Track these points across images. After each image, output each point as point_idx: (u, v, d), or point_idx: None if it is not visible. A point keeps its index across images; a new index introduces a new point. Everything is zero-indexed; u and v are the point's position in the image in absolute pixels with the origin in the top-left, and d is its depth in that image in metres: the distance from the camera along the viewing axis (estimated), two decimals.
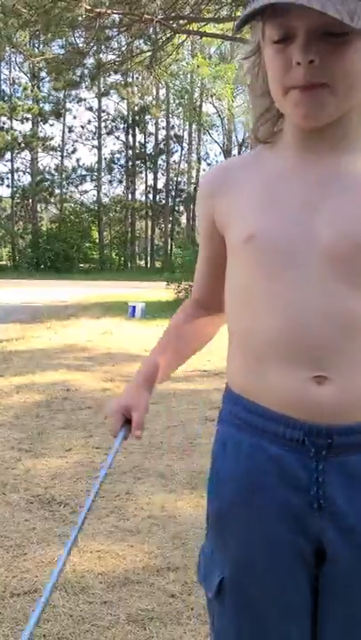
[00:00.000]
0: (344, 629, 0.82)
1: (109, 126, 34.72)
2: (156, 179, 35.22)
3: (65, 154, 34.13)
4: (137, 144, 35.40)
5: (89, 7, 11.97)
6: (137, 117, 34.21)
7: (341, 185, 0.80)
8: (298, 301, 0.79)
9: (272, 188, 0.83)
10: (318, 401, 0.78)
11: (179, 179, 35.65)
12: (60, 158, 34.08)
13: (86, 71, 17.40)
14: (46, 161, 35.35)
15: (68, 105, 33.75)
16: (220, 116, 32.46)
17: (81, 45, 14.71)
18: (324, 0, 0.67)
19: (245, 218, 0.83)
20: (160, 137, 35.55)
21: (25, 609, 1.77)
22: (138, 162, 35.55)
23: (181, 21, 14.49)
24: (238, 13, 14.75)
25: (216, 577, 0.85)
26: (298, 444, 0.80)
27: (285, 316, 0.79)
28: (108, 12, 13.00)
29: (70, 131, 34.22)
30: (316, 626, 0.83)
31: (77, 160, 35.26)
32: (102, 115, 34.12)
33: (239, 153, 33.84)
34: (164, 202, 33.62)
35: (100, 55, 16.55)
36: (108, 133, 34.58)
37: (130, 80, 30.25)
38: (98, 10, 12.41)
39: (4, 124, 31.94)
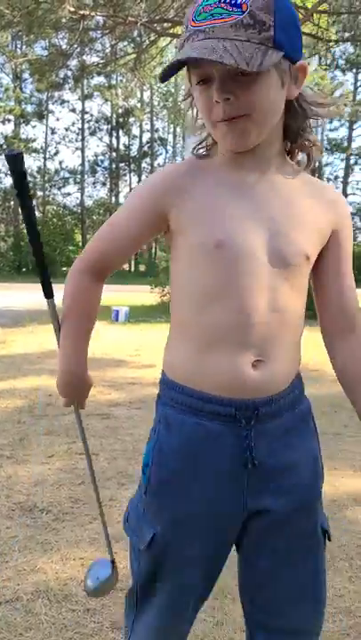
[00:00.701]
0: (277, 562, 1.03)
1: (93, 128, 34.63)
2: (140, 181, 35.21)
3: (48, 156, 33.98)
4: (121, 146, 35.36)
5: (73, 9, 11.93)
6: (121, 120, 34.17)
7: (285, 202, 0.96)
8: (251, 301, 0.94)
9: (231, 199, 0.95)
10: (248, 381, 0.95)
11: None
12: (42, 160, 33.90)
13: (70, 73, 17.34)
14: (28, 163, 35.04)
15: (51, 106, 33.60)
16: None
17: (64, 47, 14.65)
18: (222, 52, 0.80)
19: (213, 225, 0.94)
20: (144, 139, 35.57)
21: (7, 617, 1.74)
22: (122, 164, 35.50)
23: (166, 24, 14.51)
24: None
25: (148, 533, 1.00)
26: (231, 419, 0.96)
27: (239, 313, 0.94)
28: (92, 14, 12.97)
29: (53, 132, 34.13)
30: (244, 563, 1.08)
31: (60, 162, 35.12)
32: (86, 117, 34.04)
33: None
34: None
35: (84, 57, 16.50)
36: (91, 134, 34.49)
37: (114, 82, 30.23)
38: (82, 12, 12.38)
39: None
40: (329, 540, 1.12)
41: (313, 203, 1.00)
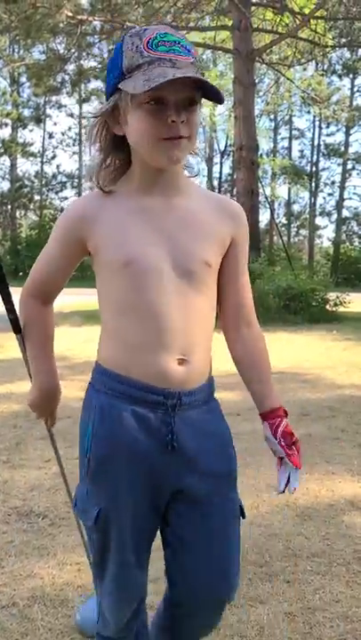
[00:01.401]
0: (204, 542, 1.17)
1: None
2: None
3: (45, 160, 33.99)
4: None
5: (70, 14, 11.97)
6: None
7: (184, 220, 1.12)
8: (165, 307, 1.09)
9: (135, 223, 1.10)
10: (175, 375, 1.12)
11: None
12: (39, 164, 33.91)
13: (67, 77, 17.39)
14: (26, 167, 35.14)
15: (49, 111, 33.65)
16: (201, 123, 32.60)
17: (62, 51, 14.69)
18: (187, 69, 1.01)
19: (121, 247, 1.10)
20: None
21: (3, 623, 1.73)
22: None
23: None
24: (220, 22, 14.89)
25: (94, 510, 1.15)
26: (159, 405, 1.11)
27: (156, 319, 1.09)
28: (90, 18, 13.01)
29: (50, 137, 34.12)
30: (167, 535, 1.20)
31: (58, 166, 35.10)
32: (83, 121, 34.05)
33: (221, 161, 34.11)
34: None
35: (82, 61, 16.56)
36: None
37: None
38: (79, 17, 12.42)
39: None
40: (243, 517, 1.24)
41: (214, 216, 1.16)
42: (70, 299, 15.40)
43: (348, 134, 34.09)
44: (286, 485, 1.24)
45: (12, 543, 2.23)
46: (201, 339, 1.16)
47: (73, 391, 4.82)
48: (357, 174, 35.56)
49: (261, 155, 26.45)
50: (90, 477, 1.18)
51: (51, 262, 1.22)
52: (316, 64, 23.74)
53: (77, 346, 7.32)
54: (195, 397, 1.16)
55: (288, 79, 17.88)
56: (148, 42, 1.01)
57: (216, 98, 1.05)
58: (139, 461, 1.13)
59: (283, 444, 1.24)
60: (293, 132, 35.66)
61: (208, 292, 1.16)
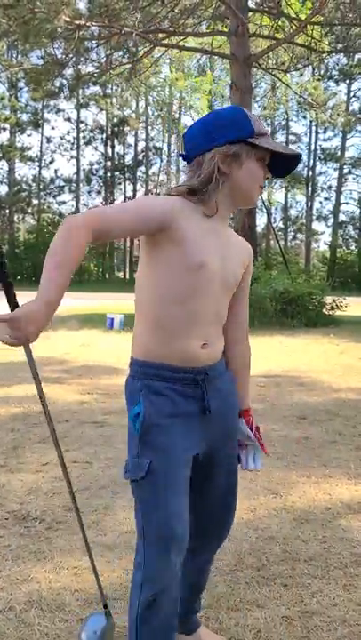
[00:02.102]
0: (227, 472, 1.51)
1: (88, 137, 34.74)
2: (135, 190, 35.27)
3: (43, 164, 34.06)
4: (116, 155, 35.47)
5: (68, 19, 12.00)
6: (116, 129, 34.30)
7: (233, 246, 1.45)
8: (205, 308, 1.38)
9: (211, 239, 1.37)
10: (201, 356, 1.39)
11: (158, 190, 35.75)
12: (37, 169, 33.96)
13: (65, 82, 17.42)
14: (24, 171, 35.13)
15: (47, 115, 33.73)
16: None
17: (60, 56, 14.72)
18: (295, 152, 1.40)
19: (200, 252, 1.34)
20: (139, 148, 35.71)
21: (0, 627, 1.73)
22: (117, 173, 35.60)
23: (160, 35, 14.62)
24: (217, 27, 14.95)
25: (145, 464, 1.33)
26: (192, 381, 1.38)
27: (197, 313, 1.37)
28: (88, 24, 13.05)
29: (49, 141, 34.21)
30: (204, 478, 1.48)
31: (55, 171, 35.19)
32: (81, 125, 34.14)
33: None
34: None
35: (80, 66, 16.59)
36: (86, 144, 34.59)
37: (109, 91, 30.37)
38: (77, 22, 12.45)
39: None
40: (239, 462, 1.59)
41: (241, 248, 1.49)
42: (68, 302, 15.41)
43: (344, 139, 34.26)
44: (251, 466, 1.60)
45: (8, 547, 2.22)
46: (219, 329, 1.47)
47: (71, 395, 4.82)
48: (354, 179, 35.65)
49: None
50: (143, 438, 1.36)
51: (125, 212, 1.29)
52: (313, 69, 23.85)
53: (75, 350, 7.31)
54: (216, 370, 1.45)
55: (285, 84, 17.96)
56: (260, 124, 1.40)
57: (282, 175, 1.47)
58: (182, 423, 1.37)
59: (256, 434, 1.59)
60: (290, 137, 35.78)
61: (229, 300, 1.48)
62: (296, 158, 1.41)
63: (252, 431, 1.58)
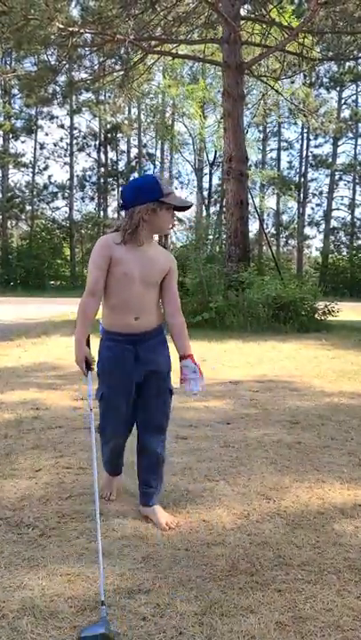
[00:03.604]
0: (155, 396, 2.48)
1: (81, 143, 34.76)
2: None
3: (36, 170, 34.01)
4: (109, 161, 35.50)
5: (62, 26, 12.04)
6: (109, 135, 34.36)
7: (150, 259, 2.37)
8: (134, 295, 2.34)
9: (129, 257, 2.33)
10: (134, 326, 2.37)
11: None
12: (31, 175, 33.91)
13: (58, 88, 17.45)
14: (17, 177, 35.09)
15: (40, 122, 33.71)
16: (190, 135, 32.82)
17: (53, 63, 14.75)
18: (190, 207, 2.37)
19: (122, 266, 2.32)
20: (132, 154, 35.78)
21: None
22: (110, 179, 35.62)
23: (153, 42, 14.69)
24: (209, 35, 15.04)
25: (100, 393, 2.46)
26: (130, 341, 2.38)
27: (129, 300, 2.34)
28: (81, 30, 13.09)
29: (42, 147, 34.16)
30: (139, 405, 2.50)
31: (49, 177, 34.98)
32: (74, 132, 34.18)
33: (210, 172, 34.29)
34: None
35: (73, 73, 16.63)
36: (79, 150, 34.60)
37: (102, 98, 30.42)
38: (70, 28, 12.49)
39: None
40: (172, 394, 2.53)
41: (161, 258, 2.43)
42: (61, 308, 15.38)
43: (335, 145, 34.50)
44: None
45: (1, 554, 2.21)
46: (148, 309, 2.41)
47: (64, 401, 4.80)
48: (345, 185, 35.86)
49: (250, 166, 26.64)
50: (101, 377, 2.47)
51: (93, 273, 2.36)
52: (304, 77, 24.02)
53: (68, 355, 7.28)
54: (147, 336, 2.43)
55: (276, 91, 18.08)
56: (169, 187, 2.35)
57: (184, 210, 2.42)
58: (123, 367, 2.42)
59: (199, 368, 2.45)
60: (282, 144, 36.00)
61: (155, 291, 2.45)
62: (190, 206, 2.36)
63: (196, 365, 2.44)
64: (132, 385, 2.41)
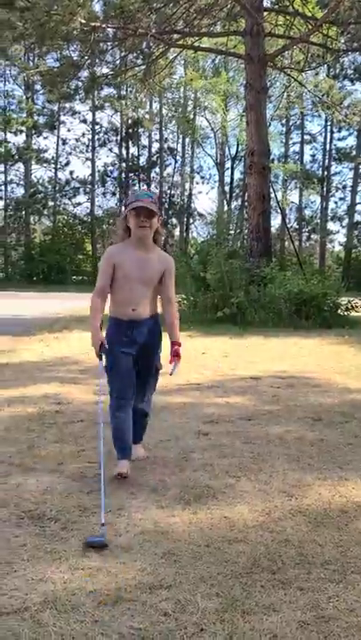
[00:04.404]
0: (145, 369, 3.14)
1: (102, 139, 34.84)
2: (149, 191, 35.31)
3: (59, 166, 34.20)
4: (130, 156, 35.52)
5: (84, 21, 12.06)
6: (130, 130, 34.36)
7: (148, 261, 3.00)
8: (130, 292, 2.99)
9: (129, 259, 2.98)
10: (132, 315, 3.01)
11: (172, 191, 35.76)
12: (53, 170, 34.14)
13: (80, 84, 17.51)
14: (40, 173, 35.32)
15: (62, 117, 33.89)
16: (212, 129, 32.66)
17: (75, 58, 14.79)
18: (151, 205, 2.91)
19: (123, 268, 2.97)
20: (153, 149, 35.74)
21: (14, 628, 1.73)
22: (131, 174, 35.66)
23: (175, 36, 14.63)
24: (232, 27, 14.92)
25: (108, 361, 3.01)
26: (128, 327, 3.02)
27: (129, 295, 3.00)
28: (103, 25, 13.10)
29: (64, 143, 34.35)
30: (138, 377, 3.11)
31: (71, 172, 35.09)
32: (96, 127, 34.28)
33: (232, 166, 34.09)
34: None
35: (95, 68, 16.66)
36: (101, 146, 34.69)
37: (123, 93, 30.44)
38: (93, 24, 12.51)
39: None
40: (157, 370, 3.18)
41: (158, 262, 3.03)
42: (83, 303, 15.47)
43: (359, 138, 33.92)
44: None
45: (24, 547, 2.23)
46: (144, 302, 3.02)
47: (86, 395, 4.83)
48: None
49: (273, 160, 26.40)
50: (108, 348, 2.95)
51: (102, 276, 3.02)
52: (328, 68, 23.69)
53: (89, 350, 7.33)
54: (142, 322, 3.03)
55: (300, 83, 17.87)
56: (137, 196, 2.97)
57: (158, 214, 2.98)
58: (122, 340, 3.00)
59: (176, 357, 3.04)
60: (305, 137, 35.57)
61: (152, 288, 3.03)
62: (144, 207, 2.90)
63: (177, 357, 3.03)
64: (130, 356, 3.01)
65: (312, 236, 37.30)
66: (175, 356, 3.01)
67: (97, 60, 16.25)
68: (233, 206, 34.02)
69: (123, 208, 3.17)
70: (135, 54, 16.39)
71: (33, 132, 32.74)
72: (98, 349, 2.91)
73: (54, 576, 2.02)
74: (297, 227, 35.90)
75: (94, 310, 2.96)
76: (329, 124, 33.48)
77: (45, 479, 2.94)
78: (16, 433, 3.74)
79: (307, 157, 35.94)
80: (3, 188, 33.04)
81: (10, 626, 1.74)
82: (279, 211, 23.97)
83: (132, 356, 3.00)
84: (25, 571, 2.06)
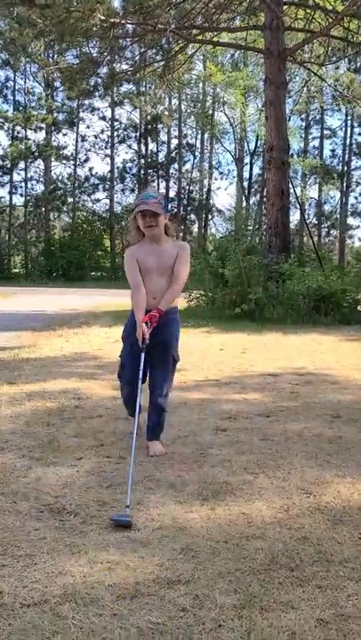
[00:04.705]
0: (159, 362, 3.37)
1: (122, 135, 34.88)
2: (167, 187, 35.25)
3: (78, 163, 34.33)
4: (149, 153, 35.52)
5: (103, 17, 12.07)
6: (149, 126, 34.34)
7: (163, 252, 3.29)
8: (151, 284, 3.29)
9: (146, 254, 3.30)
10: (153, 304, 3.26)
11: (191, 187, 35.68)
12: (72, 167, 34.29)
13: (100, 80, 17.55)
14: (59, 170, 35.41)
15: (82, 114, 33.97)
16: (231, 124, 32.48)
17: (95, 55, 14.82)
18: (155, 206, 3.18)
19: (143, 262, 3.29)
20: (172, 145, 35.67)
21: (34, 620, 1.75)
22: (150, 170, 35.65)
23: (194, 31, 14.56)
24: (251, 22, 14.81)
25: (123, 350, 3.49)
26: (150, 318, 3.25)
27: (150, 286, 3.28)
28: (122, 22, 13.10)
29: (83, 140, 34.41)
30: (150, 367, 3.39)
31: (90, 169, 35.17)
32: (115, 124, 34.34)
33: (251, 161, 33.90)
34: (175, 210, 33.66)
35: (114, 65, 16.67)
36: (120, 142, 34.73)
37: (143, 89, 30.41)
38: (112, 20, 12.52)
39: (18, 133, 32.27)
40: (175, 361, 3.42)
41: (172, 248, 3.31)
42: (102, 299, 15.56)
43: None
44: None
45: (44, 540, 2.26)
46: (162, 291, 3.27)
47: (105, 391, 4.86)
48: None
49: (292, 155, 26.17)
50: (126, 338, 3.38)
51: (131, 274, 3.31)
52: (349, 62, 23.38)
53: (108, 346, 7.37)
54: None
55: (320, 78, 17.67)
56: (142, 197, 3.27)
57: (161, 213, 3.23)
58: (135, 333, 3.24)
59: (153, 322, 3.19)
60: (325, 132, 35.17)
61: (168, 277, 3.28)
62: (149, 209, 3.19)
63: (150, 318, 3.19)
64: (145, 345, 3.20)
65: (331, 232, 36.90)
66: (149, 317, 3.17)
67: (116, 57, 16.26)
68: (252, 202, 33.80)
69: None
70: (154, 50, 16.36)
71: (52, 128, 32.90)
72: (142, 343, 3.14)
73: (74, 569, 2.05)
74: (316, 222, 35.54)
75: (137, 304, 3.22)
76: (349, 118, 33.04)
77: (65, 473, 2.97)
78: (36, 427, 3.79)
79: (326, 152, 35.52)
80: (23, 184, 33.27)
81: (30, 618, 1.77)
82: (298, 206, 23.76)
83: (146, 345, 3.17)
84: (45, 564, 2.09)
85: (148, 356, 3.22)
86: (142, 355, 3.15)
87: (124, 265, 3.37)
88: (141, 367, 3.15)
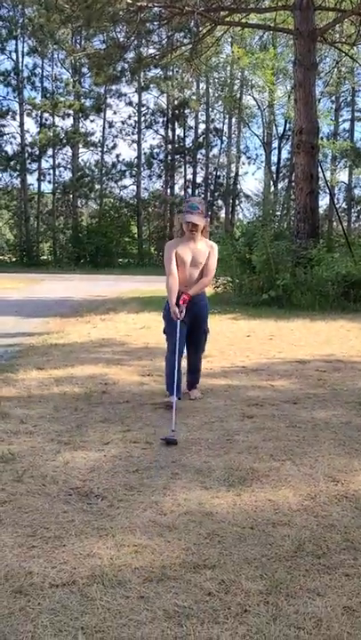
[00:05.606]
0: (193, 333, 4.31)
1: (149, 120, 34.69)
2: (195, 173, 35.01)
3: (105, 149, 34.33)
4: (176, 138, 35.27)
5: (130, 1, 11.96)
6: (176, 111, 34.05)
7: (197, 249, 4.17)
8: (185, 274, 4.17)
9: (184, 250, 4.15)
10: (185, 291, 4.17)
11: (218, 173, 35.35)
12: (100, 154, 34.31)
13: (127, 65, 17.44)
14: (87, 157, 35.44)
15: (109, 100, 33.86)
16: (259, 108, 31.99)
17: (122, 40, 14.72)
18: (198, 218, 4.09)
19: (180, 256, 4.14)
20: (199, 130, 35.34)
21: (63, 600, 1.79)
22: (177, 156, 35.42)
23: (222, 13, 14.32)
24: (280, 2, 14.48)
25: (165, 327, 4.31)
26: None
27: (184, 276, 4.17)
28: (149, 5, 12.96)
29: (110, 126, 34.33)
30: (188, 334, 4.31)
31: (117, 155, 35.15)
32: (142, 109, 34.16)
33: (279, 145, 33.39)
34: (202, 196, 33.44)
35: (141, 49, 16.55)
36: (147, 127, 34.56)
37: (170, 74, 30.13)
38: (139, 3, 12.39)
39: (46, 120, 32.42)
40: (206, 333, 4.41)
41: (205, 247, 4.21)
42: (129, 285, 15.62)
43: None
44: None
45: (72, 523, 2.30)
46: (193, 281, 4.18)
47: (132, 376, 4.90)
48: None
49: (322, 138, 25.65)
50: (165, 316, 4.22)
51: (169, 263, 4.12)
52: None
53: (135, 332, 7.42)
54: (194, 297, 4.16)
55: (351, 58, 17.21)
56: (188, 206, 4.16)
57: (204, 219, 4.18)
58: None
59: (185, 303, 4.09)
60: (356, 114, 34.32)
61: (200, 269, 4.17)
62: (187, 220, 4.07)
63: (182, 301, 4.07)
64: (183, 322, 4.06)
65: None
66: (182, 300, 4.08)
67: (143, 41, 16.14)
68: (280, 187, 33.37)
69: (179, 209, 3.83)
70: (182, 33, 16.18)
71: (80, 115, 32.93)
72: (176, 315, 4.02)
73: (101, 552, 2.08)
74: (346, 207, 34.88)
75: (171, 289, 4.06)
76: None
77: (93, 457, 3.01)
78: (64, 412, 3.84)
79: (357, 135, 34.83)
80: (51, 171, 33.47)
81: (59, 598, 1.81)
82: (327, 190, 23.36)
83: (184, 322, 4.07)
84: (73, 546, 2.12)
85: (184, 328, 4.10)
86: (178, 323, 4.01)
87: (164, 253, 4.22)
88: (178, 333, 4.00)
